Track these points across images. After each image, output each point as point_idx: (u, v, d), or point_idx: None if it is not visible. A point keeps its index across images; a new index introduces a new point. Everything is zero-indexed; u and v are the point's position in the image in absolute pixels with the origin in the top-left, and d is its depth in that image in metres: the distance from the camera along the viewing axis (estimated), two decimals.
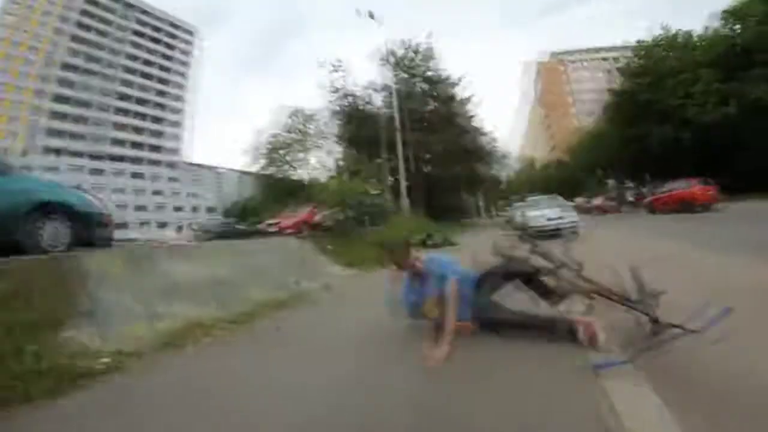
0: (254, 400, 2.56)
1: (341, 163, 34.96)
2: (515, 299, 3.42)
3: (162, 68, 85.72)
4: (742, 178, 26.79)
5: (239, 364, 3.27)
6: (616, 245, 9.75)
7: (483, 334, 3.26)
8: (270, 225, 17.47)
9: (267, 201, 37.26)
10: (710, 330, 2.35)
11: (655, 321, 2.80)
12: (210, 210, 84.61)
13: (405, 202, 22.30)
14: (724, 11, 31.70)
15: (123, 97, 77.72)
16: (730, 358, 2.39)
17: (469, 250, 10.62)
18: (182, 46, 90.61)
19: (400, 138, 24.87)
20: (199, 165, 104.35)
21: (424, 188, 31.66)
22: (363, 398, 2.39)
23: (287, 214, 19.05)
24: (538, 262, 3.40)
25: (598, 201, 40.16)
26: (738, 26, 30.67)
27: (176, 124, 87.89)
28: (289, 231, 15.98)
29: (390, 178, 31.34)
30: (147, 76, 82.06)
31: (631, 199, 41.99)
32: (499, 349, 3.00)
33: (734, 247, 8.04)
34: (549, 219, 14.15)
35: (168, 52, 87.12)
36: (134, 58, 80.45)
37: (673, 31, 37.29)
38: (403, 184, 23.76)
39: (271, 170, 36.31)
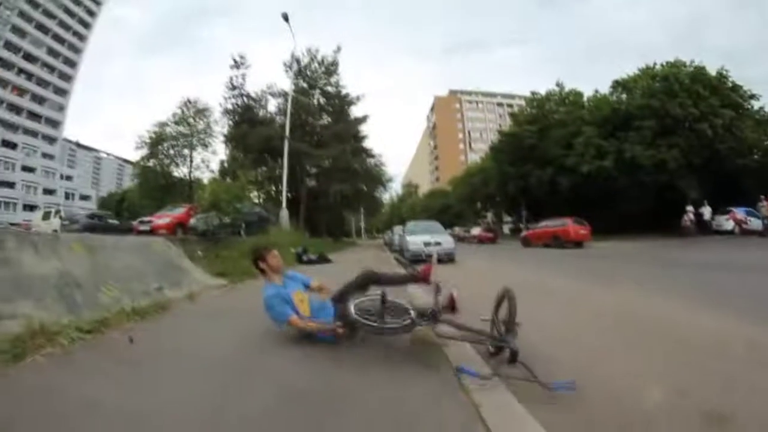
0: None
1: (225, 165, 34.08)
2: (369, 307, 3.78)
3: (62, 24, 72.08)
4: (614, 222, 30.84)
5: (86, 382, 2.96)
6: (484, 272, 10.38)
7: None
8: (143, 222, 16.81)
9: (144, 196, 35.75)
10: (565, 385, 2.70)
11: (513, 354, 3.18)
12: (84, 198, 76.69)
13: (285, 213, 21.84)
14: (615, 81, 36.03)
15: (10, 46, 64.06)
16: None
17: (342, 267, 10.95)
18: (88, 3, 76.93)
19: (287, 148, 24.37)
20: (79, 145, 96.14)
21: (306, 202, 31.53)
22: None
23: (162, 213, 18.30)
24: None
25: (476, 231, 43.20)
26: (624, 95, 34.80)
27: (63, 92, 75.06)
28: (162, 231, 15.49)
29: (272, 188, 31.18)
30: (43, 28, 68.62)
31: (507, 232, 44.95)
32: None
33: (585, 275, 10.23)
34: (426, 244, 14.86)
35: (72, 6, 73.78)
36: (35, 5, 66.85)
37: (567, 89, 41.60)
38: (285, 195, 23.47)
39: (152, 162, 34.32)
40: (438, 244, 15.03)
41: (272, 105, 35.13)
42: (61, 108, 75.44)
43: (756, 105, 32.23)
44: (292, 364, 3.38)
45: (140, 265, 6.64)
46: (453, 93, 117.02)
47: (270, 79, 58.30)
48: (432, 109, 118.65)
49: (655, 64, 33.71)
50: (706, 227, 27.40)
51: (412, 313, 3.63)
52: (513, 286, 3.63)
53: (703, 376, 3.12)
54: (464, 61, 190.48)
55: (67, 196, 72.96)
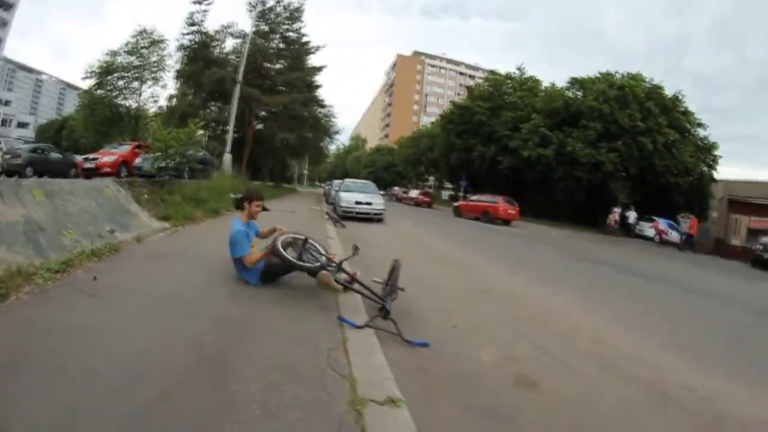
0: (88, 346, 3.07)
1: (174, 102, 33.34)
2: (292, 244, 5.18)
3: None
4: (547, 208, 34.20)
5: (67, 311, 3.69)
6: (405, 236, 11.31)
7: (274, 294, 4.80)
8: (88, 160, 16.57)
9: (88, 128, 34.34)
10: (421, 342, 3.99)
11: (386, 312, 4.24)
12: (22, 125, 70.84)
13: (228, 158, 22.05)
14: (573, 78, 37.49)
15: None
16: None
17: (275, 216, 11.89)
18: None
19: (238, 92, 24.25)
20: (18, 64, 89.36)
21: (251, 145, 31.69)
22: (178, 346, 3.21)
23: (108, 149, 18.02)
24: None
25: (414, 194, 45.15)
26: (580, 93, 36.06)
27: (7, 6, 66.99)
28: (107, 170, 15.50)
29: (219, 129, 30.92)
30: None
31: (447, 198, 46.53)
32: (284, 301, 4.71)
33: (493, 254, 12.03)
34: (357, 203, 15.73)
35: None
36: None
37: (527, 75, 42.94)
38: (231, 139, 23.44)
39: (99, 93, 32.92)
40: (369, 204, 15.90)
41: (229, 45, 34.36)
42: (4, 24, 68.04)
43: (702, 133, 34.88)
44: (223, 299, 4.52)
45: (93, 209, 7.04)
46: (417, 54, 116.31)
47: (230, 17, 56.48)
48: (393, 66, 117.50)
49: (616, 72, 35.28)
50: (629, 230, 29.90)
51: (323, 259, 4.92)
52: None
53: (539, 351, 4.35)
54: (439, 25, 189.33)
55: (3, 122, 68.15)
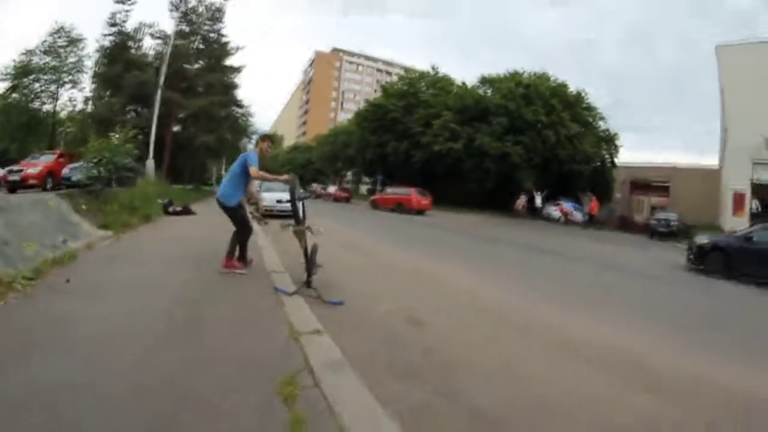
0: (88, 326, 3.82)
1: (91, 105, 32.21)
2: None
3: None
4: (460, 197, 36.24)
5: (57, 307, 4.32)
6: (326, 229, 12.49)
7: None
8: (12, 172, 16.12)
9: (4, 135, 32.42)
10: (336, 302, 5.32)
11: (309, 283, 5.69)
12: None
13: (151, 164, 21.95)
14: (483, 77, 40.12)
15: None
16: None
17: (204, 219, 13.15)
18: None
19: (159, 93, 24.24)
20: None
21: (171, 150, 31.50)
22: (153, 317, 4.16)
23: (30, 160, 17.58)
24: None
25: (332, 189, 46.33)
26: (489, 91, 38.25)
27: None
28: (33, 181, 15.40)
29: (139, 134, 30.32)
30: None
31: (365, 192, 47.75)
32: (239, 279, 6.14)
33: (402, 239, 14.10)
34: (278, 201, 16.05)
35: None
36: None
37: (440, 74, 44.51)
38: (153, 144, 23.38)
39: (15, 97, 31.37)
40: (282, 201, 16.01)
41: (148, 44, 33.74)
42: None
43: (603, 125, 38.55)
44: (180, 285, 5.58)
45: (41, 221, 7.52)
46: (336, 51, 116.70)
47: (151, 16, 54.84)
48: (311, 63, 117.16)
49: (524, 71, 38.05)
50: (536, 212, 32.58)
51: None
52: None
53: (430, 306, 5.80)
54: (359, 21, 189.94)
55: None
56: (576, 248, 16.11)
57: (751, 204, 24.76)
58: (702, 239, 13.74)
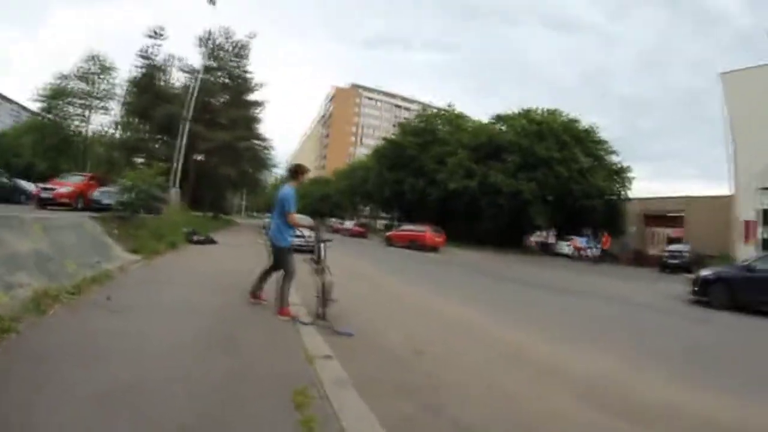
0: (137, 340, 4.33)
1: (122, 133, 33.27)
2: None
3: None
4: (474, 234, 36.44)
5: (103, 321, 4.84)
6: (340, 264, 12.91)
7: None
8: (45, 189, 16.48)
9: (37, 152, 33.50)
10: (347, 332, 5.76)
11: (323, 314, 6.21)
12: None
13: (175, 192, 22.52)
14: (497, 115, 40.58)
15: None
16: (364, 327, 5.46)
17: (226, 250, 13.52)
18: None
19: (187, 126, 25.07)
20: None
21: (193, 180, 32.08)
22: (192, 335, 4.60)
23: (61, 180, 17.96)
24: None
25: (349, 224, 46.32)
26: (504, 128, 38.64)
27: None
28: (64, 200, 15.76)
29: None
30: None
31: (380, 228, 48.11)
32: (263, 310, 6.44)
33: (413, 276, 14.86)
34: (293, 236, 16.62)
35: None
36: None
37: (456, 111, 45.23)
38: (178, 174, 24.05)
39: (50, 117, 32.55)
40: (302, 236, 17.09)
41: (176, 77, 34.89)
42: None
43: (615, 158, 38.54)
44: (217, 307, 6.28)
45: (78, 241, 8.08)
46: (354, 86, 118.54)
47: (179, 50, 56.65)
48: (332, 98, 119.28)
49: (537, 108, 38.70)
50: (548, 249, 32.83)
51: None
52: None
53: (431, 337, 6.37)
54: (379, 55, 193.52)
55: None
56: (581, 283, 16.47)
57: (762, 232, 24.56)
58: (705, 271, 13.92)
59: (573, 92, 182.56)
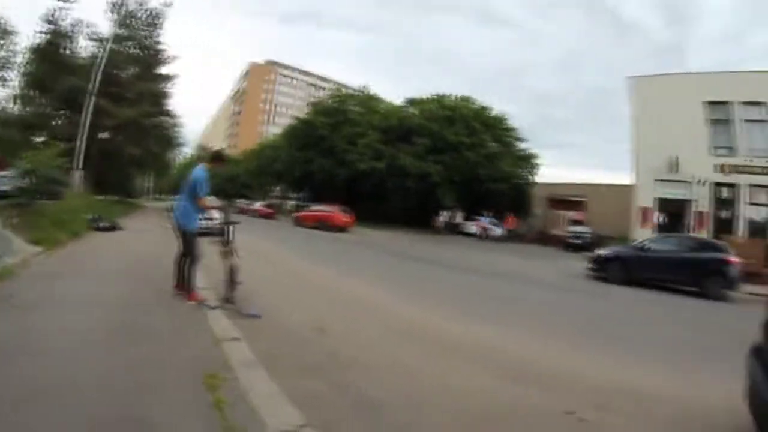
0: (44, 337, 4.33)
1: (20, 108, 29.83)
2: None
3: None
4: (383, 214, 37.56)
5: (5, 319, 4.75)
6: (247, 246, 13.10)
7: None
8: None
9: None
10: (254, 314, 5.98)
11: (230, 298, 6.36)
12: None
13: (78, 175, 21.41)
14: (410, 99, 41.82)
15: None
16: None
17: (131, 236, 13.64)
18: None
19: (92, 100, 23.59)
20: None
21: (97, 160, 29.92)
22: (100, 328, 4.66)
23: None
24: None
25: (257, 205, 45.86)
26: (416, 111, 39.67)
27: None
28: None
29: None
30: None
31: (290, 209, 48.02)
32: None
33: (316, 256, 15.34)
34: (201, 219, 16.59)
35: None
36: None
37: (370, 93, 45.70)
38: (82, 154, 22.78)
39: None
40: (210, 219, 17.06)
41: (85, 48, 31.87)
42: None
43: (523, 145, 41.26)
44: (120, 299, 6.15)
45: None
46: (270, 63, 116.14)
47: (88, 16, 52.32)
48: (245, 75, 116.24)
49: (450, 94, 40.36)
50: (455, 229, 34.41)
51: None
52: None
53: (335, 316, 6.80)
54: (296, 31, 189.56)
55: None
56: (486, 262, 17.84)
57: (658, 217, 27.34)
58: (603, 250, 15.86)
59: (490, 83, 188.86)
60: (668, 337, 7.75)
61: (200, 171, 6.38)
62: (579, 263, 17.61)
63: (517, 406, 3.93)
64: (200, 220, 6.56)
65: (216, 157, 6.82)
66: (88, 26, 31.08)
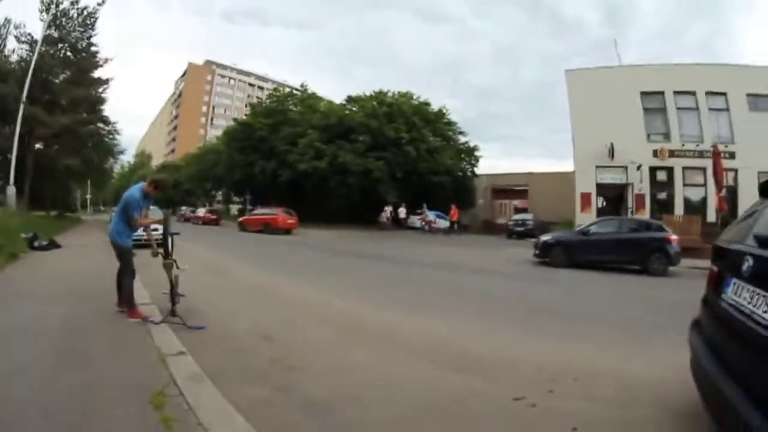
0: None
1: None
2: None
3: None
4: (327, 214, 37.31)
5: None
6: (189, 255, 12.20)
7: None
8: None
9: None
10: (198, 326, 5.92)
11: (173, 311, 6.15)
12: None
13: (12, 192, 20.44)
14: (349, 96, 41.68)
15: None
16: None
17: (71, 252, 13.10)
18: None
19: (23, 109, 22.16)
20: None
21: (32, 174, 28.19)
22: (43, 352, 4.59)
23: None
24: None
25: (201, 212, 45.52)
26: (355, 109, 39.58)
27: None
28: None
29: None
30: None
31: (236, 213, 47.48)
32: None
33: (259, 260, 15.09)
34: (143, 229, 16.37)
35: None
36: None
37: (309, 92, 45.66)
38: (14, 169, 21.64)
39: None
40: (155, 230, 16.78)
41: (14, 51, 29.86)
42: None
43: (464, 139, 42.43)
44: (62, 322, 5.95)
45: None
46: (208, 63, 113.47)
47: (17, 15, 49.41)
48: (183, 75, 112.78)
49: (388, 91, 40.41)
50: (401, 223, 34.91)
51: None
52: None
53: (279, 321, 6.73)
54: (238, 30, 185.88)
55: None
56: (431, 254, 18.15)
57: (598, 202, 28.67)
58: (546, 236, 16.49)
59: (430, 78, 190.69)
60: (614, 315, 8.12)
61: (136, 192, 6.32)
62: (524, 250, 18.23)
63: (460, 397, 3.98)
64: (139, 231, 6.66)
65: (155, 185, 6.58)
66: (16, 27, 29.27)
